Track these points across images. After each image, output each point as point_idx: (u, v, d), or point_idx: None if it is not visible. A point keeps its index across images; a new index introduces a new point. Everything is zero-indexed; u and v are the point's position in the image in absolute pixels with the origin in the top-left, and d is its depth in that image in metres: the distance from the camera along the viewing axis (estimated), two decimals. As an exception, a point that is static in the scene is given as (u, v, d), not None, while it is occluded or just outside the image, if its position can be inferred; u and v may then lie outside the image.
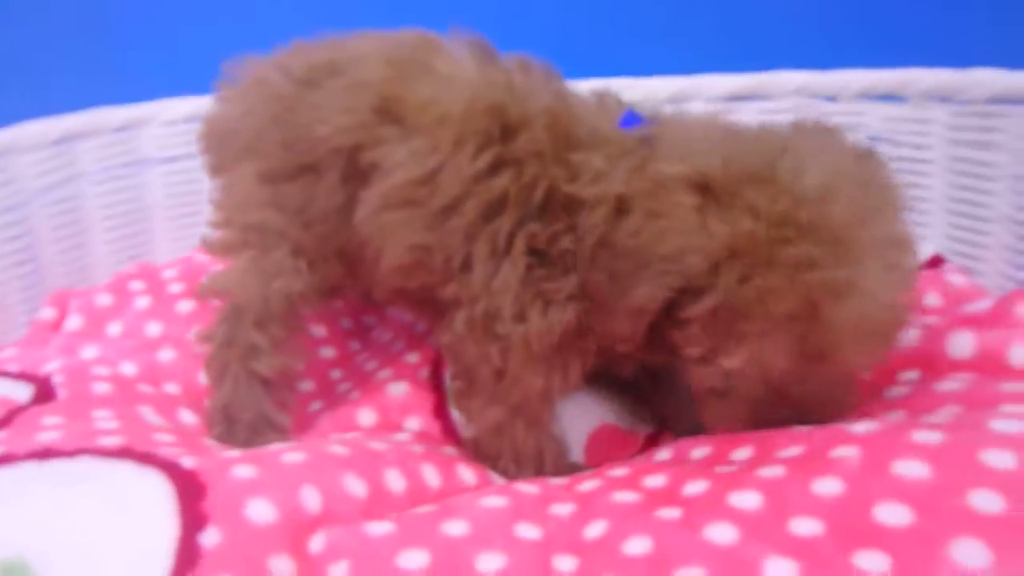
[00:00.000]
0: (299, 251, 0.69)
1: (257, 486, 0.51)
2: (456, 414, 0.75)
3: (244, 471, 0.52)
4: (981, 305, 0.66)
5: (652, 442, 0.75)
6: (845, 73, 0.96)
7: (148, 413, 0.69)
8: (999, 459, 0.43)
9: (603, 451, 0.75)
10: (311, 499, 0.52)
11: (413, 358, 0.83)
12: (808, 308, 0.49)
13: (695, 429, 0.73)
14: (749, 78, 0.99)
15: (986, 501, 0.41)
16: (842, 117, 0.97)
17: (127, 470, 0.52)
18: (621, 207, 0.54)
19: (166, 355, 0.81)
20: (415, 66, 0.63)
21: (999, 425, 0.46)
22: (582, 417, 0.76)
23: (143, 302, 0.89)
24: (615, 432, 0.76)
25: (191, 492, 0.50)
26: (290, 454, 0.56)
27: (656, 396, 0.76)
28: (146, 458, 0.53)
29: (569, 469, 0.68)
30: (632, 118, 0.60)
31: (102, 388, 0.73)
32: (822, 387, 0.54)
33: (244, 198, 0.69)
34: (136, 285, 0.92)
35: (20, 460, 0.54)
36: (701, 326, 0.52)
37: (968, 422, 0.48)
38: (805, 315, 0.49)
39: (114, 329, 0.87)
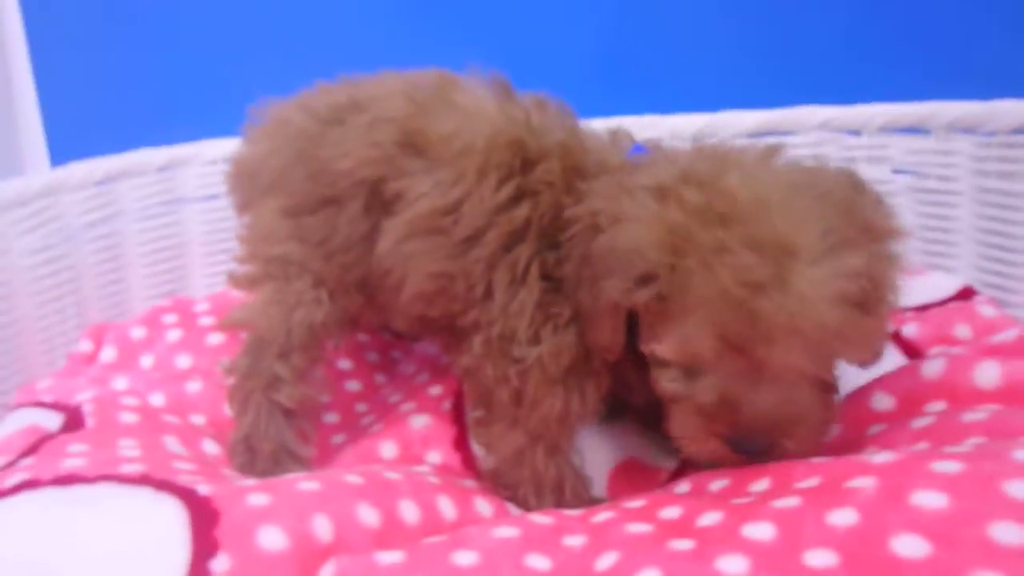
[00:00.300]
0: (320, 282, 0.70)
1: (269, 514, 0.51)
2: (476, 446, 0.74)
3: (258, 499, 0.52)
4: (1008, 335, 0.64)
5: (676, 477, 0.74)
6: (868, 107, 0.96)
7: (172, 443, 0.70)
8: (1021, 490, 0.41)
9: (626, 485, 0.74)
10: (323, 528, 0.52)
11: (436, 390, 0.83)
12: (725, 296, 0.48)
13: (715, 464, 0.72)
14: (773, 114, 0.98)
15: (1006, 533, 0.39)
16: (866, 151, 0.96)
17: (144, 496, 0.52)
18: (595, 222, 0.56)
19: (193, 387, 0.82)
20: (437, 102, 0.65)
21: (1022, 455, 0.44)
22: (605, 451, 0.75)
23: (174, 335, 0.91)
24: (638, 466, 0.75)
25: (204, 518, 0.50)
26: (305, 483, 0.56)
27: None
28: (164, 485, 0.54)
29: (589, 502, 0.66)
30: (639, 151, 0.60)
31: (129, 418, 0.74)
32: (779, 400, 0.52)
33: (267, 232, 0.70)
34: (169, 318, 0.93)
35: (44, 485, 0.54)
36: (648, 317, 0.54)
37: (990, 452, 0.46)
38: (724, 303, 0.49)
39: (146, 361, 0.88)
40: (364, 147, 0.65)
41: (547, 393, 0.62)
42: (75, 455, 0.61)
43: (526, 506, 0.67)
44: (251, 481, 0.57)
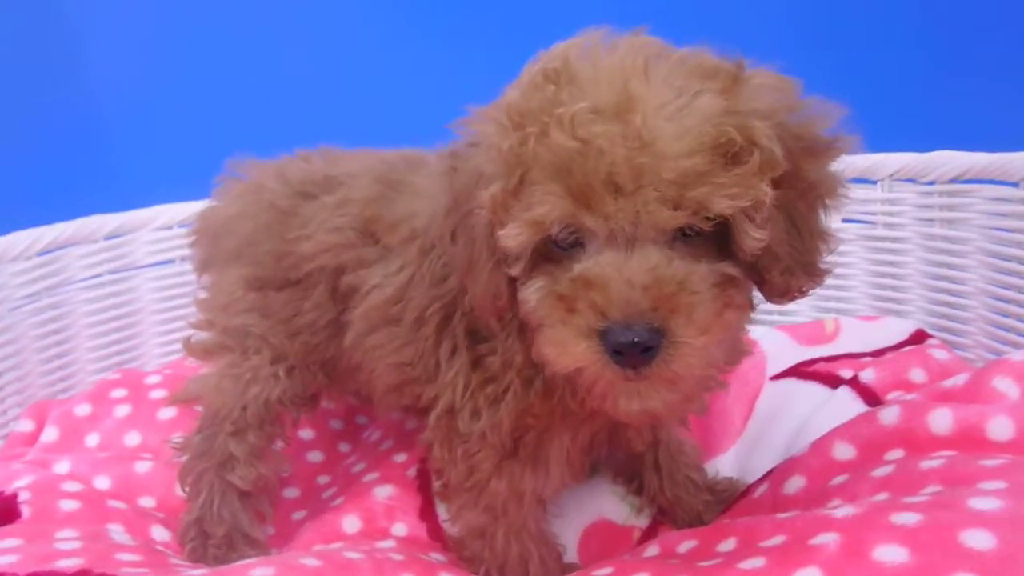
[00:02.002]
0: (280, 357, 0.70)
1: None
2: (442, 516, 0.74)
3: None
4: (958, 380, 0.66)
5: (648, 537, 0.75)
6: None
7: (116, 532, 0.69)
8: (976, 539, 0.43)
9: (597, 548, 0.74)
10: (280, 615, 0.51)
11: (401, 458, 0.83)
12: (565, 148, 0.45)
13: (695, 519, 0.73)
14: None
15: (965, 585, 0.41)
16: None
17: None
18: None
19: (142, 467, 0.80)
20: (400, 186, 0.66)
21: (977, 503, 0.46)
22: (574, 513, 0.75)
23: (123, 411, 0.89)
24: (609, 528, 0.76)
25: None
26: (258, 569, 0.55)
27: (655, 483, 0.75)
28: (101, 579, 0.53)
29: (559, 574, 0.67)
30: None
31: (70, 506, 0.72)
32: (651, 268, 0.45)
33: (228, 301, 0.70)
34: (117, 393, 0.91)
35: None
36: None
37: (947, 501, 0.48)
38: (565, 156, 0.45)
39: (92, 440, 0.86)
40: (326, 232, 0.66)
41: (495, 473, 0.61)
42: (7, 550, 0.60)
43: None
44: (199, 572, 0.56)
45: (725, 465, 0.83)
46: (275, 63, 1.39)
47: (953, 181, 0.89)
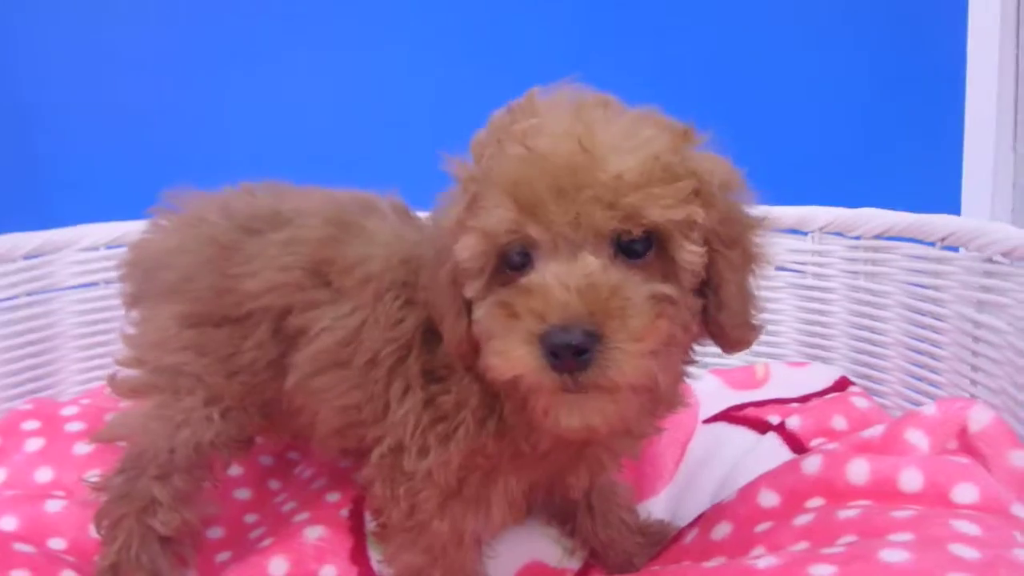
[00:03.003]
0: (215, 399, 0.69)
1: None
2: (374, 558, 0.76)
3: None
4: (876, 431, 0.72)
5: (580, 579, 0.78)
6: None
7: None
8: (887, 591, 0.47)
9: (531, 591, 0.77)
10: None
11: (334, 497, 0.83)
12: (515, 159, 0.50)
13: (627, 561, 0.77)
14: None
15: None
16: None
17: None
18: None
19: (53, 506, 0.78)
20: (352, 228, 0.67)
21: (887, 555, 0.51)
22: (508, 555, 0.77)
23: (35, 444, 0.86)
24: (543, 570, 0.78)
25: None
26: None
27: (588, 525, 0.78)
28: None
29: None
30: None
31: None
32: (589, 275, 0.49)
33: (161, 339, 0.69)
34: (29, 425, 0.89)
35: None
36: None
37: (860, 552, 0.53)
38: (514, 166, 0.50)
39: (-1, 476, 0.83)
40: (274, 271, 0.66)
41: (438, 512, 0.63)
42: None
43: None
44: None
45: (657, 508, 0.86)
46: (206, 86, 1.40)
47: (878, 237, 0.96)
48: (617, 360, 0.47)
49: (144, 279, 0.74)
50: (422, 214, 0.70)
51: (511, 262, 0.51)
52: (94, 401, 0.97)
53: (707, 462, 0.88)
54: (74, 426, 0.89)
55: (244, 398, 0.70)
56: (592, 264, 0.48)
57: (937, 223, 0.89)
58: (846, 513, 0.62)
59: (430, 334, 0.62)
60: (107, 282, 1.07)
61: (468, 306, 0.54)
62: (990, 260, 0.81)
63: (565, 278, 0.48)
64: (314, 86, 1.42)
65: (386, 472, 0.63)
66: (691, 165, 0.51)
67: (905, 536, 0.54)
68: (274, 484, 0.91)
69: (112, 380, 0.74)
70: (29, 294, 1.02)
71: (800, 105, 1.38)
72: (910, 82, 1.35)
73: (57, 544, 0.76)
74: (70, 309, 1.06)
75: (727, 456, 0.87)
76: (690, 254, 0.50)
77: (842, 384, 0.96)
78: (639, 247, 0.50)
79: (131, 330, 0.74)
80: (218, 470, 0.74)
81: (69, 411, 0.92)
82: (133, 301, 0.75)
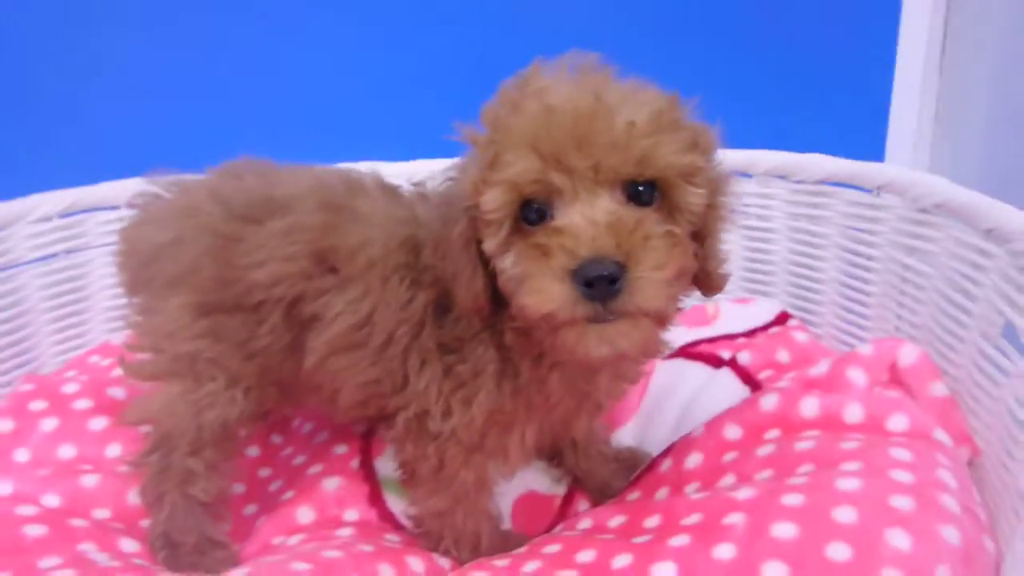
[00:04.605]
0: (235, 381, 0.75)
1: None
2: (391, 500, 0.87)
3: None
4: (820, 369, 0.86)
5: (567, 503, 0.92)
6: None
7: (91, 551, 0.73)
8: (845, 515, 0.62)
9: (527, 516, 0.91)
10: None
11: (341, 449, 0.93)
12: (534, 115, 0.58)
13: (605, 485, 0.91)
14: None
15: (839, 552, 0.59)
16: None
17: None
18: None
19: (89, 480, 0.84)
20: (345, 212, 0.73)
21: (843, 484, 0.65)
22: (508, 487, 0.89)
23: (50, 424, 0.91)
24: (535, 497, 0.92)
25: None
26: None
27: (572, 458, 0.92)
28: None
29: (502, 542, 0.81)
30: None
31: (36, 531, 0.75)
32: (615, 214, 0.57)
33: (174, 329, 0.74)
34: (37, 405, 0.93)
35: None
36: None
37: (819, 483, 0.67)
38: (533, 121, 0.58)
39: (21, 456, 0.88)
40: (280, 261, 0.71)
41: (464, 464, 0.74)
42: None
43: (448, 555, 0.80)
44: None
45: (626, 436, 1.00)
46: (160, 43, 1.39)
47: (820, 182, 1.06)
48: (643, 287, 0.54)
49: (141, 269, 0.77)
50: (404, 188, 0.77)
51: (528, 218, 0.59)
52: (90, 376, 1.02)
53: (668, 395, 1.01)
54: (82, 403, 0.94)
55: (262, 378, 0.76)
56: (610, 203, 0.57)
57: (875, 171, 0.99)
58: (801, 445, 0.75)
59: (439, 310, 0.70)
60: (67, 252, 1.11)
61: (484, 264, 0.61)
62: (923, 210, 0.91)
63: (592, 216, 0.56)
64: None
65: (414, 434, 0.73)
66: (686, 122, 0.60)
67: (854, 465, 0.68)
68: (277, 439, 0.99)
69: (127, 365, 0.79)
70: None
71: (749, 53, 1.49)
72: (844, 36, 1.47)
73: (102, 514, 0.82)
74: (35, 283, 1.09)
75: (686, 389, 1.00)
76: (694, 196, 0.59)
77: (782, 318, 1.10)
78: (645, 196, 0.58)
79: (137, 319, 0.78)
80: (242, 444, 0.83)
81: (71, 388, 0.97)
82: (133, 289, 0.79)
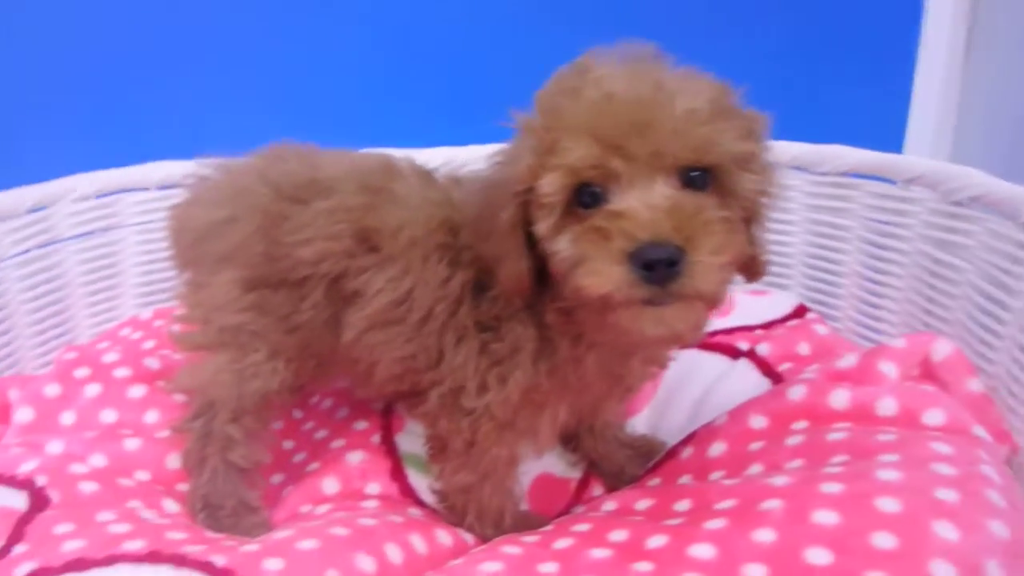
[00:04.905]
0: (277, 353, 0.75)
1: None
2: (412, 476, 0.85)
3: (273, 564, 0.59)
4: (848, 362, 0.81)
5: (583, 486, 0.88)
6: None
7: (140, 508, 0.73)
8: (888, 504, 0.58)
9: (543, 498, 0.87)
10: (335, 582, 0.60)
11: (362, 425, 0.91)
12: (593, 102, 0.56)
13: (620, 470, 0.87)
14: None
15: (884, 540, 0.55)
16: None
17: (166, 573, 0.58)
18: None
19: (132, 444, 0.83)
20: (384, 194, 0.72)
21: (883, 475, 0.61)
22: (524, 468, 0.84)
23: (93, 390, 0.90)
24: (551, 480, 0.89)
25: (235, 590, 0.56)
26: (303, 542, 0.63)
27: (589, 442, 0.89)
28: (179, 560, 0.59)
29: (523, 521, 0.79)
30: None
31: (90, 487, 0.75)
32: (673, 198, 0.55)
33: (223, 302, 0.74)
34: (81, 372, 0.92)
35: (58, 573, 0.58)
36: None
37: (859, 473, 0.63)
38: (592, 108, 0.56)
39: (67, 419, 0.87)
40: (324, 240, 0.71)
41: (496, 441, 0.72)
42: (68, 536, 0.63)
43: (472, 530, 0.78)
44: (253, 546, 0.63)
45: (640, 423, 0.97)
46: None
47: (844, 175, 1.01)
48: (702, 271, 0.53)
49: (192, 246, 0.77)
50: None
51: (583, 201, 0.57)
52: (125, 347, 1.00)
53: (683, 385, 0.96)
54: (121, 371, 0.94)
55: (302, 350, 0.76)
56: (670, 189, 0.55)
57: (901, 163, 0.94)
58: (833, 435, 0.71)
59: (477, 289, 0.68)
60: (103, 230, 1.10)
61: (529, 247, 0.60)
62: (957, 203, 0.86)
63: (651, 201, 0.54)
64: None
65: (448, 409, 0.71)
66: (741, 108, 0.58)
67: (893, 457, 0.64)
68: (297, 413, 0.97)
69: (176, 337, 0.79)
70: (39, 247, 1.04)
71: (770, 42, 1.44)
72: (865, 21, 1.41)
73: (143, 476, 0.81)
74: (73, 259, 1.08)
75: (701, 379, 0.96)
76: (748, 182, 0.57)
77: (800, 311, 1.05)
78: (700, 181, 0.56)
79: (185, 291, 0.79)
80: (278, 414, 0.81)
81: (111, 357, 0.96)
82: (183, 264, 0.80)
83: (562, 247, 0.57)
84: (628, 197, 0.55)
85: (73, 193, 1.06)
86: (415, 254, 0.69)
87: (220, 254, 0.74)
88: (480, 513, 0.77)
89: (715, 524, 0.62)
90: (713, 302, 0.57)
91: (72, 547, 0.62)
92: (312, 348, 0.75)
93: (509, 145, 0.62)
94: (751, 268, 0.64)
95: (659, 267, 0.52)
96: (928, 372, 0.79)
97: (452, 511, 0.79)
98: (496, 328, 0.68)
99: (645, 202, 0.54)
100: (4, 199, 1.00)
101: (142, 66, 1.40)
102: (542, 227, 0.58)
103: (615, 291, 0.53)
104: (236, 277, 0.74)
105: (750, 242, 0.61)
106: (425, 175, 0.75)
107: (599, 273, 0.54)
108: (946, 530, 0.56)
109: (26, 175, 1.05)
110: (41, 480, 0.74)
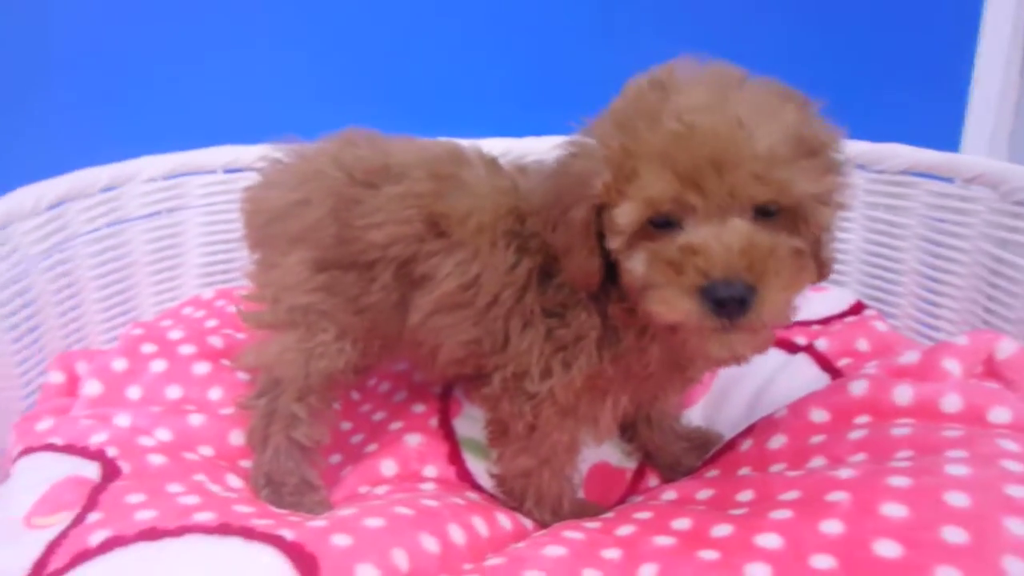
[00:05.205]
0: (344, 332, 0.76)
1: (358, 552, 0.59)
2: (470, 460, 0.85)
3: (342, 540, 0.60)
4: (910, 358, 0.81)
5: (638, 477, 0.88)
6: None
7: (207, 482, 0.74)
8: (957, 499, 0.57)
9: (598, 487, 0.87)
10: (400, 560, 0.61)
11: (419, 408, 0.91)
12: (673, 136, 0.55)
13: (676, 462, 0.87)
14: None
15: (954, 535, 0.55)
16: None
17: (237, 546, 0.59)
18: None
19: (195, 420, 0.85)
20: (452, 181, 0.73)
21: (951, 470, 0.60)
22: (583, 457, 0.84)
23: (159, 366, 0.92)
24: (607, 469, 0.89)
25: (306, 564, 0.57)
26: (369, 520, 0.64)
27: (645, 432, 0.89)
28: (248, 533, 0.60)
29: (580, 509, 0.79)
30: None
31: (158, 460, 0.77)
32: (746, 236, 0.55)
33: (294, 282, 0.75)
34: (147, 348, 0.94)
35: (132, 542, 0.59)
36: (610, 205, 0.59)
37: (927, 467, 0.62)
38: (671, 142, 0.56)
39: (133, 393, 0.89)
40: (396, 224, 0.71)
41: (557, 426, 0.72)
42: (140, 506, 0.65)
43: (530, 515, 0.78)
44: (320, 522, 0.64)
45: (695, 415, 0.97)
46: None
47: (903, 173, 1.01)
48: (770, 307, 0.54)
49: (265, 226, 0.79)
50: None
51: (655, 222, 0.57)
52: (188, 325, 1.02)
53: (740, 378, 0.96)
54: (186, 348, 0.95)
55: (369, 332, 0.77)
56: (746, 228, 0.55)
57: (959, 162, 0.94)
58: (898, 431, 0.71)
59: (543, 276, 0.69)
60: (169, 211, 1.12)
61: (601, 247, 0.60)
62: (1019, 203, 0.85)
63: (726, 239, 0.54)
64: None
65: (510, 393, 0.72)
66: (822, 138, 0.57)
67: (960, 453, 0.64)
68: (355, 395, 0.98)
69: (245, 316, 0.80)
70: (109, 225, 1.06)
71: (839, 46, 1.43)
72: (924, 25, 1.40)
73: (207, 451, 0.83)
74: (141, 239, 1.10)
75: (758, 372, 0.95)
76: (824, 216, 0.57)
77: (857, 308, 1.04)
78: (772, 208, 0.56)
79: (256, 269, 0.80)
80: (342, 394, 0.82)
81: (176, 334, 0.98)
82: (255, 244, 0.81)
83: (634, 266, 0.58)
84: (702, 231, 0.55)
85: (143, 174, 1.09)
86: (483, 240, 0.70)
87: (292, 235, 0.75)
88: (539, 498, 0.78)
89: (781, 514, 0.62)
90: (780, 327, 0.59)
91: (145, 516, 0.63)
92: (379, 330, 0.76)
93: (579, 142, 0.62)
94: (818, 269, 0.63)
95: (731, 304, 0.53)
96: (992, 370, 0.78)
97: (511, 495, 0.80)
98: (561, 315, 0.69)
99: (719, 239, 0.54)
100: (78, 178, 1.02)
101: (210, 55, 1.44)
102: (614, 242, 0.59)
103: (685, 322, 0.55)
104: (307, 258, 0.75)
105: (819, 258, 0.62)
106: (492, 163, 0.76)
107: (670, 303, 0.55)
108: (1018, 526, 0.55)
109: (100, 156, 1.08)
110: (112, 451, 0.76)
